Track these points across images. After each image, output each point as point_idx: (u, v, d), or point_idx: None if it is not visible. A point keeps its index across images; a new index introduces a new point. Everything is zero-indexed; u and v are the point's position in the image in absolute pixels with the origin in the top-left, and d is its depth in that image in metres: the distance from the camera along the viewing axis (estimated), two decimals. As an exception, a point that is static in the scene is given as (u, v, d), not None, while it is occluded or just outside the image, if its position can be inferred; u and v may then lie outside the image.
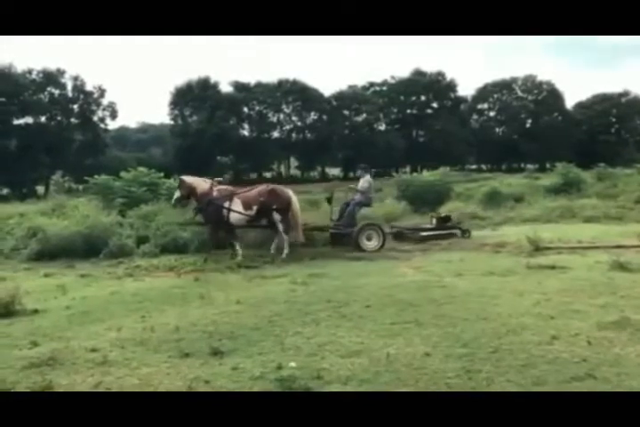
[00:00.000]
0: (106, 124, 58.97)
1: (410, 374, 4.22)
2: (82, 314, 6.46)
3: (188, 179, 10.75)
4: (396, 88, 71.70)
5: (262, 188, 10.58)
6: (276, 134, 68.58)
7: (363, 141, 63.80)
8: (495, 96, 73.87)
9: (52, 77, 54.09)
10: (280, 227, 10.28)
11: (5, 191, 49.00)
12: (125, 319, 6.11)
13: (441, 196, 19.07)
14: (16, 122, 52.24)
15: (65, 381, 4.26)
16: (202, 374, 4.30)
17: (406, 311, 6.05)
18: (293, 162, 70.28)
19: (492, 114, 75.24)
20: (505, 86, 73.69)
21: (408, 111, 72.60)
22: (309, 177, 66.55)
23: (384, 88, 72.98)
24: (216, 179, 12.06)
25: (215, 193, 10.38)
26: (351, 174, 67.54)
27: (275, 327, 5.60)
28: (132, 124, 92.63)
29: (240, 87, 65.15)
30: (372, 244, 10.78)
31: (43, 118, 54.02)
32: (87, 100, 56.44)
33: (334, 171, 70.84)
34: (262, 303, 6.62)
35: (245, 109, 66.08)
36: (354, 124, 68.80)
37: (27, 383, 4.19)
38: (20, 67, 52.32)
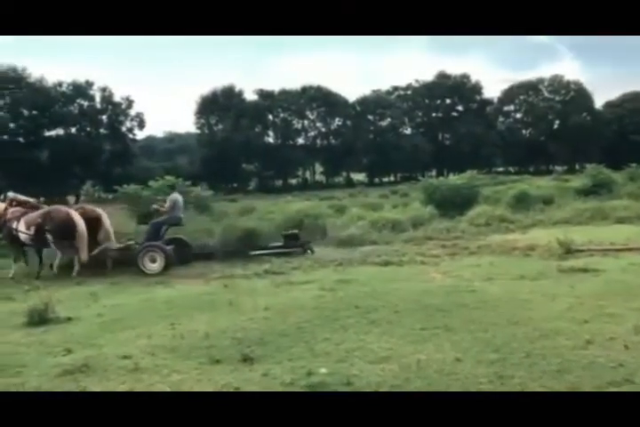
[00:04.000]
0: (134, 135, 60.14)
1: (441, 381, 4.17)
2: (113, 321, 6.55)
3: None
4: (420, 91, 71.49)
5: (44, 210, 10.87)
6: (300, 141, 69.00)
7: (388, 146, 63.68)
8: (521, 97, 73.02)
9: (80, 89, 55.32)
10: (52, 246, 10.52)
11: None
12: (155, 326, 6.17)
13: (468, 199, 18.86)
14: (47, 133, 53.56)
15: (97, 388, 4.32)
16: (232, 381, 4.31)
17: (435, 317, 5.99)
18: (318, 168, 70.45)
19: (518, 116, 74.39)
20: (531, 87, 72.80)
21: (433, 115, 72.30)
22: (334, 183, 66.61)
23: (408, 92, 72.82)
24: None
25: (9, 215, 10.89)
26: (377, 180, 67.46)
27: (304, 334, 5.59)
28: (159, 134, 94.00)
29: (264, 95, 65.71)
30: (155, 266, 10.32)
31: (73, 130, 55.25)
32: (115, 110, 57.57)
33: (359, 176, 70.78)
34: (290, 309, 6.63)
35: (270, 117, 66.61)
36: (378, 128, 68.76)
37: (61, 390, 4.25)
38: (50, 80, 53.67)
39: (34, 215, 10.67)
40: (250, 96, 65.95)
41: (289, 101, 65.64)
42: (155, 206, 11.69)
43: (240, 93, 65.14)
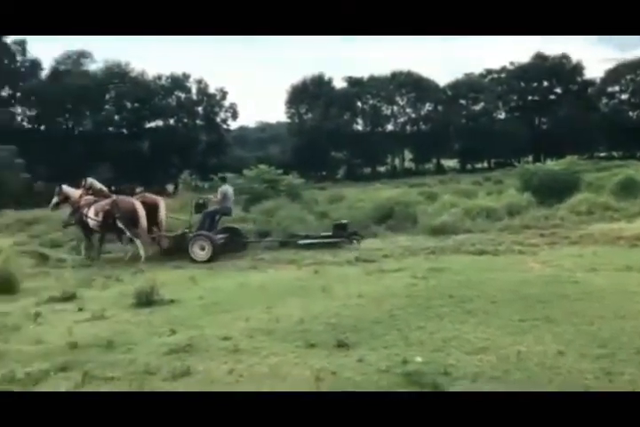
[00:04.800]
0: (228, 125, 61.90)
1: (543, 374, 4.02)
2: (212, 304, 6.85)
3: (65, 188, 12.24)
4: (515, 74, 68.23)
5: (112, 198, 11.57)
6: (389, 127, 68.05)
7: (481, 131, 61.49)
8: (628, 77, 67.82)
9: (178, 82, 57.64)
10: (127, 233, 11.15)
11: (139, 190, 53.05)
12: (252, 310, 6.39)
13: (568, 186, 17.87)
14: (148, 125, 56.38)
15: (201, 367, 4.54)
16: (328, 366, 4.39)
17: (535, 308, 5.77)
18: (408, 155, 69.37)
19: (624, 97, 69.18)
20: (639, 66, 67.47)
21: (529, 98, 68.86)
22: (424, 169, 65.38)
23: (502, 75, 69.75)
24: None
25: (82, 202, 11.70)
26: (468, 166, 65.58)
27: (397, 321, 5.58)
28: (252, 124, 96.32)
29: (353, 82, 65.41)
30: (203, 253, 10.64)
31: (171, 121, 57.75)
32: (210, 102, 59.51)
33: (450, 162, 69.01)
34: (383, 297, 6.62)
35: (359, 104, 66.28)
36: (471, 113, 66.53)
37: (168, 368, 4.51)
38: (150, 74, 56.39)
39: (102, 203, 11.41)
40: (339, 84, 66.02)
41: (378, 88, 64.90)
42: (207, 197, 12.24)
43: (329, 82, 65.27)
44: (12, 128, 46.75)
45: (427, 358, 4.47)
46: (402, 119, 68.48)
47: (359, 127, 67.04)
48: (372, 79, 65.77)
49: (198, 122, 59.26)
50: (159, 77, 56.73)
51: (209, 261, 10.47)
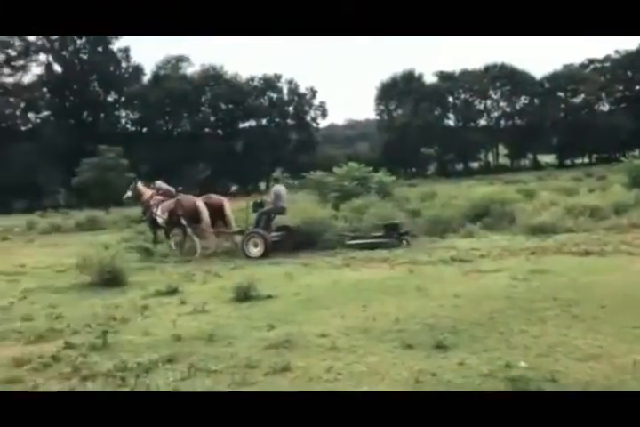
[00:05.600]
0: (317, 123, 62.76)
1: (663, 386, 3.73)
2: (308, 301, 6.93)
3: (140, 186, 13.61)
4: (621, 63, 63.94)
5: (176, 198, 12.51)
6: (482, 122, 66.18)
7: (581, 125, 58.28)
8: None
9: (270, 83, 59.12)
10: (188, 230, 12.06)
11: (234, 188, 54.92)
12: (347, 307, 6.40)
13: (685, 182, 16.55)
14: (241, 125, 58.24)
15: (300, 363, 4.61)
16: (427, 367, 4.31)
17: (651, 314, 5.37)
18: (502, 150, 66.99)
19: None
20: None
21: (637, 88, 64.29)
22: (519, 166, 62.89)
23: (606, 64, 65.60)
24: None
25: (152, 201, 12.86)
26: (567, 162, 62.35)
27: (497, 324, 5.38)
28: (340, 122, 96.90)
29: (445, 77, 64.09)
30: (256, 250, 11.13)
31: (263, 121, 59.32)
32: (301, 101, 60.56)
33: (547, 158, 65.88)
34: (481, 298, 6.42)
35: (450, 99, 64.84)
36: (570, 106, 63.26)
37: (268, 363, 4.61)
38: (244, 75, 58.19)
39: (168, 202, 12.45)
40: (429, 79, 64.90)
41: (471, 82, 63.19)
42: (262, 198, 12.80)
43: (420, 77, 64.37)
44: (118, 131, 49.95)
45: (531, 363, 4.28)
46: (495, 113, 66.39)
47: (450, 122, 65.72)
48: (465, 73, 64.10)
49: (289, 121, 60.45)
50: (252, 79, 58.47)
51: (262, 257, 10.90)
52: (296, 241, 11.96)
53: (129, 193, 13.78)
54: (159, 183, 13.54)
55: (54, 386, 4.40)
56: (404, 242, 11.40)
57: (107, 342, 5.38)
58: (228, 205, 12.67)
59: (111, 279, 8.56)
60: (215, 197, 12.84)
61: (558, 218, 12.12)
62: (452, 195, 18.93)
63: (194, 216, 12.00)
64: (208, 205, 12.23)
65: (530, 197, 16.48)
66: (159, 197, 12.90)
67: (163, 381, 4.36)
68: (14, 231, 20.47)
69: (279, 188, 12.38)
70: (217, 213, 12.28)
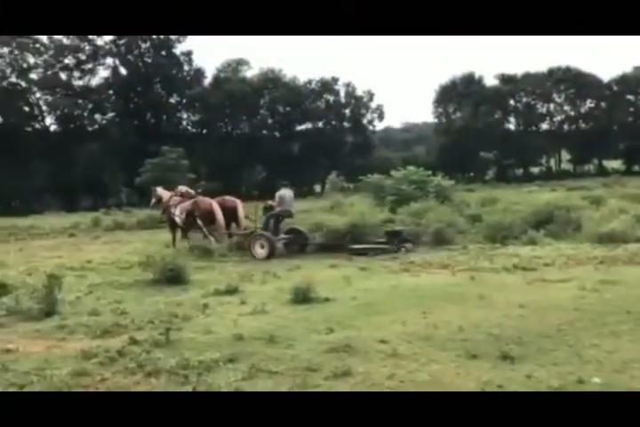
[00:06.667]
0: (374, 126, 62.38)
1: None
2: (367, 305, 6.86)
3: (159, 190, 14.37)
4: (699, 64, 60.69)
5: (194, 200, 13.01)
6: (544, 126, 64.14)
7: (651, 129, 55.63)
8: None
9: (327, 86, 59.22)
10: (204, 231, 12.66)
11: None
12: (407, 313, 6.30)
13: None
14: (298, 128, 58.63)
15: (361, 368, 4.55)
16: (494, 379, 4.17)
17: None
18: (565, 155, 64.74)
19: None
20: None
21: None
22: (583, 171, 60.58)
23: (683, 66, 62.39)
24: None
25: (171, 202, 13.44)
26: (636, 167, 59.66)
27: (566, 337, 5.17)
28: (397, 125, 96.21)
29: (506, 79, 62.52)
30: (263, 251, 11.47)
31: (320, 124, 59.49)
32: (358, 104, 60.37)
33: (614, 164, 63.15)
34: (548, 309, 6.19)
35: (511, 102, 63.19)
36: (640, 109, 60.43)
37: (329, 367, 4.57)
38: (301, 78, 58.63)
39: (186, 204, 13.01)
40: (490, 81, 63.47)
41: (533, 85, 61.37)
42: (269, 202, 13.09)
43: (480, 80, 63.03)
44: (179, 132, 51.30)
45: (606, 379, 4.07)
46: (559, 117, 64.25)
47: (511, 126, 64.00)
48: (527, 76, 62.34)
49: (345, 124, 60.37)
50: (309, 82, 58.66)
51: (267, 258, 11.32)
52: (304, 244, 12.43)
53: (153, 200, 14.57)
54: (181, 187, 14.26)
55: (120, 381, 4.51)
56: (403, 250, 11.45)
57: (169, 339, 5.49)
58: (241, 207, 13.14)
59: (173, 277, 8.74)
60: (229, 199, 13.34)
61: (628, 226, 11.58)
62: (513, 200, 18.39)
63: (209, 217, 12.54)
64: (222, 206, 12.76)
65: (596, 204, 15.82)
66: (177, 198, 13.51)
67: (224, 380, 4.40)
68: (80, 228, 21.29)
69: (284, 192, 12.87)
70: (230, 214, 12.78)
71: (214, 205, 12.71)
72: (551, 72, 61.82)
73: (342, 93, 60.28)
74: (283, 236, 12.49)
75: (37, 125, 49.43)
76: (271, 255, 11.42)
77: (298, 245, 12.46)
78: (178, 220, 13.10)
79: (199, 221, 12.67)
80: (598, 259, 9.20)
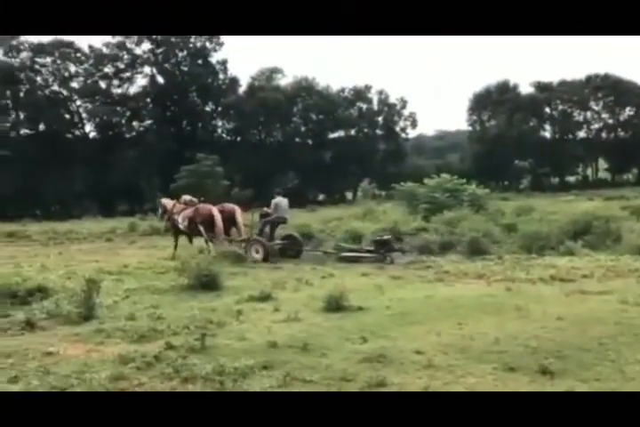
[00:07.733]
0: (406, 134, 62.08)
1: None
2: (401, 315, 6.81)
3: (163, 200, 14.89)
4: None
5: (195, 207, 13.35)
6: (581, 134, 62.86)
7: (694, 138, 54.01)
8: None
9: (360, 94, 59.27)
10: (205, 236, 13.00)
11: (321, 197, 55.47)
12: (442, 324, 6.23)
13: None
14: (331, 136, 58.76)
15: (396, 379, 4.51)
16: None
17: None
18: (602, 164, 63.31)
19: None
20: None
21: None
22: (622, 180, 59.12)
23: None
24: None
25: (175, 209, 13.84)
26: (677, 177, 57.93)
27: (608, 351, 5.04)
28: (430, 132, 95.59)
29: (542, 87, 61.57)
30: (258, 256, 12.16)
31: (352, 131, 59.52)
32: (391, 112, 60.21)
33: (654, 173, 61.44)
34: (587, 322, 6.05)
35: (547, 110, 62.17)
36: (682, 117, 58.77)
37: (363, 377, 4.55)
38: (334, 86, 58.83)
39: (188, 211, 13.40)
40: (525, 89, 62.58)
41: (570, 92, 60.29)
42: (265, 209, 13.64)
43: (515, 87, 62.21)
44: (214, 139, 51.99)
45: (651, 397, 3.93)
46: (596, 125, 62.92)
47: (547, 134, 62.90)
48: (563, 83, 61.30)
49: (378, 131, 60.26)
50: (342, 90, 58.80)
51: (263, 261, 11.98)
52: (299, 249, 12.99)
53: (160, 211, 14.87)
54: (185, 196, 14.59)
55: (157, 386, 4.57)
56: (388, 259, 11.59)
57: (205, 345, 5.54)
58: (240, 213, 13.47)
59: (208, 283, 8.82)
60: (228, 206, 13.68)
61: (671, 238, 11.25)
62: (550, 210, 18.09)
63: (210, 223, 12.87)
64: (222, 212, 13.10)
65: (637, 215, 15.44)
66: (181, 206, 13.87)
67: (259, 387, 4.41)
68: (117, 233, 21.70)
69: (279, 199, 13.35)
70: (229, 220, 13.13)
71: (214, 211, 13.09)
72: (589, 79, 60.70)
73: (375, 101, 60.22)
74: (277, 241, 13.15)
75: (77, 132, 50.65)
76: (266, 259, 12.08)
77: (293, 250, 13.07)
78: (181, 226, 13.50)
79: (200, 227, 13.07)
80: (639, 272, 8.96)
